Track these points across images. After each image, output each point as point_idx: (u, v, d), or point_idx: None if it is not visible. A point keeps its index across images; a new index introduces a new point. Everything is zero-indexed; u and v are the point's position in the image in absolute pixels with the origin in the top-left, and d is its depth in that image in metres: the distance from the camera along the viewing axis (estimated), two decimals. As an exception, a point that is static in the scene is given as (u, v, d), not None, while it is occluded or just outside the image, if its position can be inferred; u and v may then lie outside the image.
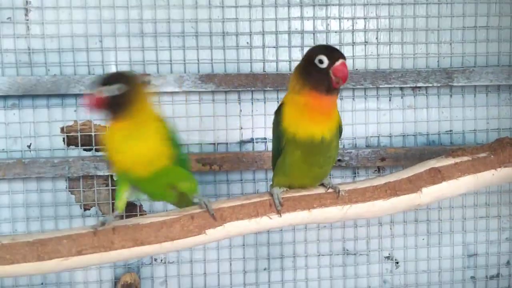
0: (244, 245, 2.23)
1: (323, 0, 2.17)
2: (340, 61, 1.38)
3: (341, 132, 1.55)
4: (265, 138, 2.19)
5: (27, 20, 2.04)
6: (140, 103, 1.43)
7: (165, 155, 1.46)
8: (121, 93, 1.39)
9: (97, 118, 2.09)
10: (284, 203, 1.51)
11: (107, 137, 1.45)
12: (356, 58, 2.22)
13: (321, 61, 1.38)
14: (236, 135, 2.19)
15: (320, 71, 1.38)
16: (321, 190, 1.56)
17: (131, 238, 1.45)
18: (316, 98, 1.40)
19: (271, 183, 1.61)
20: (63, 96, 2.07)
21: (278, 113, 1.50)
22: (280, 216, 1.51)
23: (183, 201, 1.61)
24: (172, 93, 2.12)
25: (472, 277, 2.37)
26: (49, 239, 1.43)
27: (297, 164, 1.48)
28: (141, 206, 2.16)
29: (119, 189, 1.53)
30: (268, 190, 1.57)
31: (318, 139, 1.42)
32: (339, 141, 1.59)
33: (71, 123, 2.10)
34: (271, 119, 1.57)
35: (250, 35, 2.15)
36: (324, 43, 2.18)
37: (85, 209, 2.13)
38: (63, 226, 2.08)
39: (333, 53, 1.39)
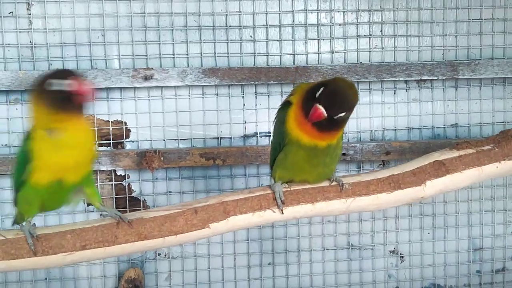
0: (248, 240, 2.22)
1: (326, -8, 2.16)
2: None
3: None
4: (269, 132, 2.18)
5: (29, 14, 2.03)
6: None
7: (93, 160, 1.43)
8: None
9: (100, 113, 2.09)
10: (287, 197, 1.50)
11: (43, 141, 1.30)
12: (360, 51, 2.20)
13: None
14: (240, 129, 2.18)
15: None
16: (325, 183, 1.54)
17: (135, 232, 1.45)
18: (311, 127, 1.37)
19: (271, 176, 1.57)
20: (66, 90, 2.06)
21: (284, 111, 1.45)
22: (282, 213, 1.51)
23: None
24: (175, 87, 2.11)
25: (478, 271, 2.36)
26: (53, 234, 1.42)
27: (301, 164, 1.46)
28: (144, 201, 2.15)
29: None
30: (270, 185, 1.55)
31: (323, 146, 1.41)
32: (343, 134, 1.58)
33: (74, 117, 2.09)
34: (275, 113, 1.55)
35: (254, 28, 2.14)
36: (328, 35, 2.17)
37: (88, 204, 2.13)
38: (67, 221, 2.08)
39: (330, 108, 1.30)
